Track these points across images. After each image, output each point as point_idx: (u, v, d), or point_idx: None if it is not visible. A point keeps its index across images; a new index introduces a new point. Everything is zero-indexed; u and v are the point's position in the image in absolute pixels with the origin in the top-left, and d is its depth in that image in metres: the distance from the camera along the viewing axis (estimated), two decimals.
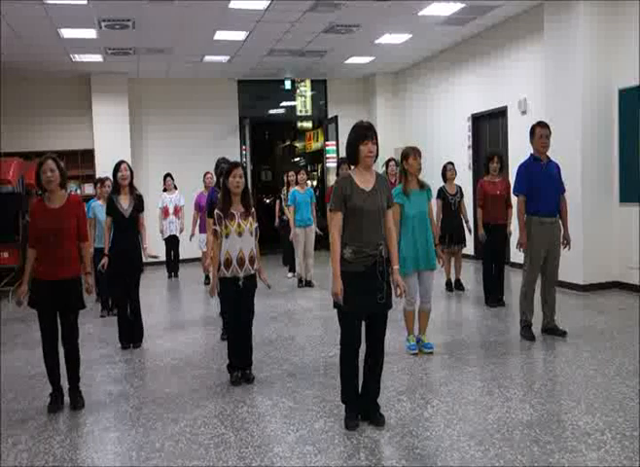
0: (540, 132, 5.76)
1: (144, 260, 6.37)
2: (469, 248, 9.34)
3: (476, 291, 8.21)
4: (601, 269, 8.00)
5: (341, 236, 3.83)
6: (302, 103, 14.12)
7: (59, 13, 8.20)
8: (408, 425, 3.95)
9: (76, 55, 10.63)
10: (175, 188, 10.73)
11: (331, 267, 3.86)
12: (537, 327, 5.93)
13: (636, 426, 3.78)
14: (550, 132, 5.80)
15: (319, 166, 16.48)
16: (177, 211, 10.56)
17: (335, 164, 11.75)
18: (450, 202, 8.09)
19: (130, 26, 8.95)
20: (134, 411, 4.43)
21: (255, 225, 4.91)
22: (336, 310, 3.92)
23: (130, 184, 6.17)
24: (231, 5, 8.21)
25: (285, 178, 10.32)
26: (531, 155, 5.90)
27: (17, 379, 5.27)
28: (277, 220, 10.86)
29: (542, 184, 5.73)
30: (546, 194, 5.73)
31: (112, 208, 6.12)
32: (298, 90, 14.00)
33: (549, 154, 5.88)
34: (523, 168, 5.87)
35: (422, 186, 5.50)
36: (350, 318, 3.86)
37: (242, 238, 4.80)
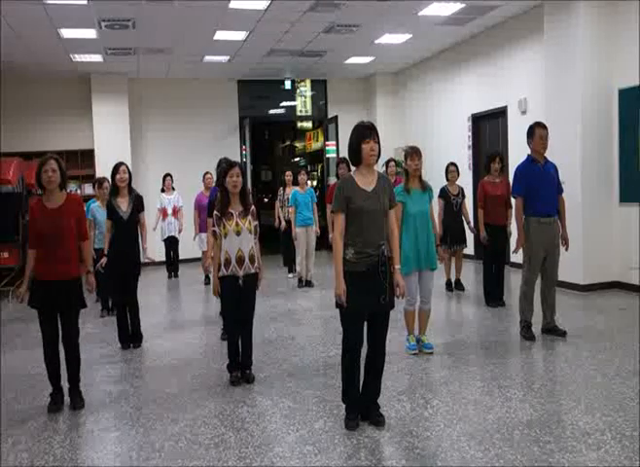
0: (540, 133, 5.77)
1: (142, 260, 6.37)
2: (469, 248, 9.34)
3: (476, 291, 8.21)
4: (601, 269, 7.99)
5: (344, 237, 3.83)
6: (302, 103, 14.11)
7: (59, 13, 8.20)
8: (408, 425, 3.95)
9: (76, 55, 10.63)
10: (173, 189, 10.73)
11: (332, 267, 3.86)
12: (537, 327, 5.93)
13: (636, 426, 3.78)
14: (547, 133, 5.81)
15: (319, 166, 16.47)
16: (175, 212, 10.55)
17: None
18: (452, 203, 8.09)
19: (130, 26, 8.95)
20: (134, 411, 4.43)
21: (254, 223, 4.90)
22: (337, 310, 3.92)
23: (129, 185, 6.17)
24: (231, 5, 8.21)
25: (283, 178, 10.33)
26: (529, 156, 5.90)
27: (17, 379, 5.26)
28: (277, 220, 10.83)
29: (541, 185, 5.73)
30: (544, 194, 5.73)
31: (111, 211, 6.12)
32: (298, 90, 13.99)
33: (546, 154, 5.88)
34: (521, 171, 5.87)
35: (424, 187, 5.50)
36: (352, 318, 3.85)
37: (241, 237, 4.80)
